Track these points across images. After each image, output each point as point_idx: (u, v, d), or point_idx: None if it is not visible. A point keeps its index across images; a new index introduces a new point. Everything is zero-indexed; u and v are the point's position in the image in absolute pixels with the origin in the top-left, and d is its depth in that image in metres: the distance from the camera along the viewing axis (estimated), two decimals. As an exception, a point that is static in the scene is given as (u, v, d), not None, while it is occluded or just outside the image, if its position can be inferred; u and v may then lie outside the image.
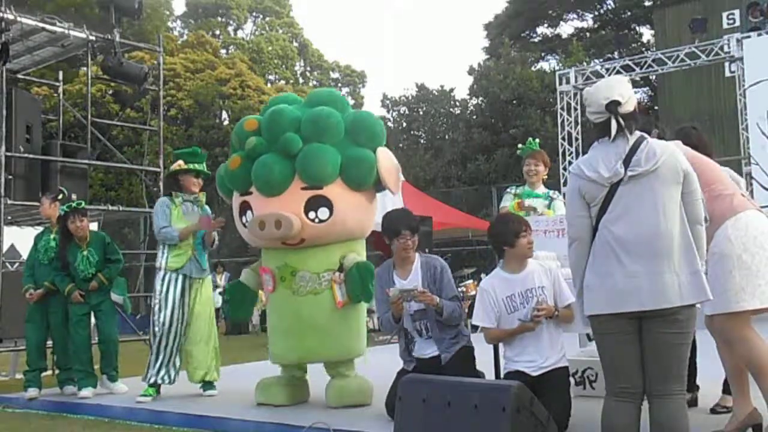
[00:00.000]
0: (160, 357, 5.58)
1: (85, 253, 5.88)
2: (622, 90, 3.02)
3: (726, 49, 13.40)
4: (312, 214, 4.66)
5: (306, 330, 4.79)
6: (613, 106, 2.98)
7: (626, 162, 2.93)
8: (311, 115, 4.79)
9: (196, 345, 5.70)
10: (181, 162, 5.75)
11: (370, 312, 14.03)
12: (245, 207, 4.87)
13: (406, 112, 27.00)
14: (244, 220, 4.90)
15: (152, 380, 5.59)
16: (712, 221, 3.42)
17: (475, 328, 4.24)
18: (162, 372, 5.59)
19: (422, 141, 25.98)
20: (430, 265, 4.40)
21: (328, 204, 4.67)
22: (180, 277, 5.62)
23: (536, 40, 29.93)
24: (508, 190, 6.13)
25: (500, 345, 4.27)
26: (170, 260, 5.62)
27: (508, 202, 5.86)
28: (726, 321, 3.44)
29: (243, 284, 5.19)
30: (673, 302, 2.81)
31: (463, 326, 4.42)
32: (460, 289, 10.79)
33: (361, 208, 4.88)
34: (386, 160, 4.85)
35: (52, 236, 6.10)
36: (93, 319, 6.10)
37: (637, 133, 3.00)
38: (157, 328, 5.58)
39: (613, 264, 2.90)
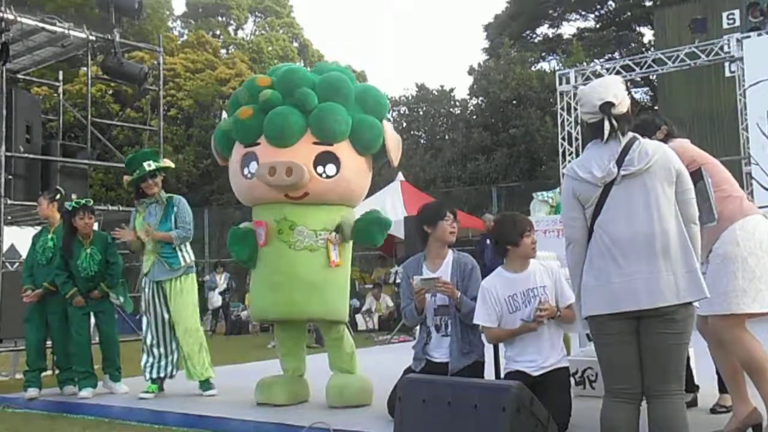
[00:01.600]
0: (149, 355, 5.82)
1: (88, 251, 5.90)
2: (616, 91, 3.03)
3: (726, 49, 13.39)
4: (320, 169, 4.79)
5: (297, 284, 4.82)
6: (606, 107, 2.98)
7: (619, 162, 2.94)
8: (327, 76, 5.01)
9: (181, 344, 5.78)
10: (126, 177, 5.95)
11: (369, 312, 14.09)
12: (250, 157, 4.90)
13: (406, 112, 26.97)
14: (246, 171, 4.91)
15: (148, 375, 5.79)
16: (719, 221, 3.43)
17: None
18: (154, 369, 5.79)
19: (422, 141, 25.94)
20: (461, 262, 4.39)
21: (336, 161, 4.81)
22: (149, 282, 5.82)
23: (536, 40, 29.91)
24: (542, 198, 6.01)
25: (501, 345, 4.27)
26: (143, 266, 5.92)
27: (543, 212, 5.80)
28: (722, 322, 3.45)
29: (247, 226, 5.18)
30: (670, 301, 2.82)
31: (479, 336, 4.33)
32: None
33: (362, 173, 5.04)
34: (391, 131, 5.11)
35: (50, 236, 6.10)
36: (92, 319, 6.11)
37: (630, 134, 3.01)
38: (143, 332, 5.90)
39: (610, 265, 2.91)
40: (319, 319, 5.08)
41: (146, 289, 5.82)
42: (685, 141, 3.81)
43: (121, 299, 6.02)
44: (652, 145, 3.00)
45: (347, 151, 4.87)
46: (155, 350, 5.79)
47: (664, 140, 3.76)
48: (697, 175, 3.51)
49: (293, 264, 4.84)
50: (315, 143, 4.79)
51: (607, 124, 2.98)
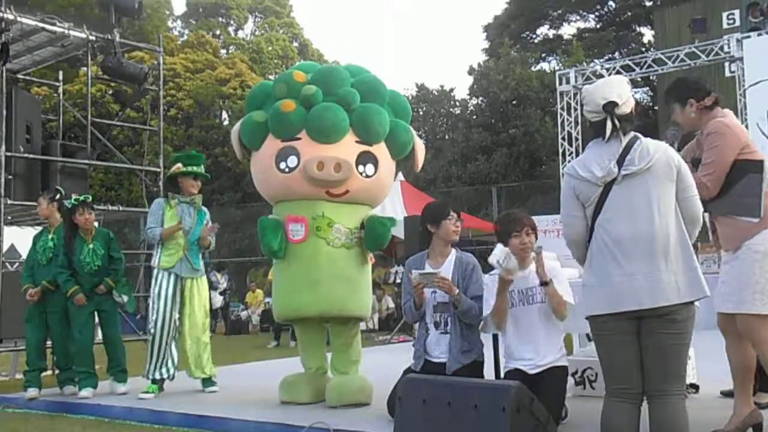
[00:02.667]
0: (156, 355, 5.76)
1: (91, 246, 5.91)
2: (620, 91, 3.02)
3: (726, 49, 13.38)
4: (361, 168, 4.85)
5: (337, 281, 4.84)
6: (610, 106, 2.98)
7: (620, 162, 2.94)
8: (365, 77, 5.07)
9: (189, 343, 5.83)
10: (179, 165, 5.90)
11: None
12: (288, 151, 4.85)
13: (406, 112, 26.97)
14: (283, 165, 4.87)
15: (151, 377, 5.75)
16: (763, 218, 3.38)
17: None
18: (162, 369, 5.78)
19: (422, 141, 25.97)
20: (463, 261, 4.41)
21: (375, 162, 4.90)
22: (172, 276, 5.78)
23: (536, 40, 29.92)
24: None
25: (500, 345, 4.28)
26: (162, 259, 5.81)
27: None
28: (754, 321, 3.38)
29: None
30: (671, 300, 2.82)
31: (478, 335, 4.36)
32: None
33: (391, 176, 5.15)
34: (418, 138, 5.21)
35: (50, 236, 6.09)
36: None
37: (632, 134, 3.00)
38: (150, 326, 5.78)
39: (611, 264, 2.91)
40: (354, 315, 5.06)
41: (164, 284, 5.74)
42: (732, 114, 3.68)
43: (125, 298, 6.02)
44: (653, 145, 2.99)
45: (383, 152, 4.95)
46: (163, 350, 5.75)
47: (711, 108, 3.61)
48: (757, 167, 3.42)
49: (333, 261, 4.85)
50: (357, 142, 4.85)
51: (609, 123, 2.98)
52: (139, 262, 11.02)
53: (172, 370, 5.84)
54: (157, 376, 5.76)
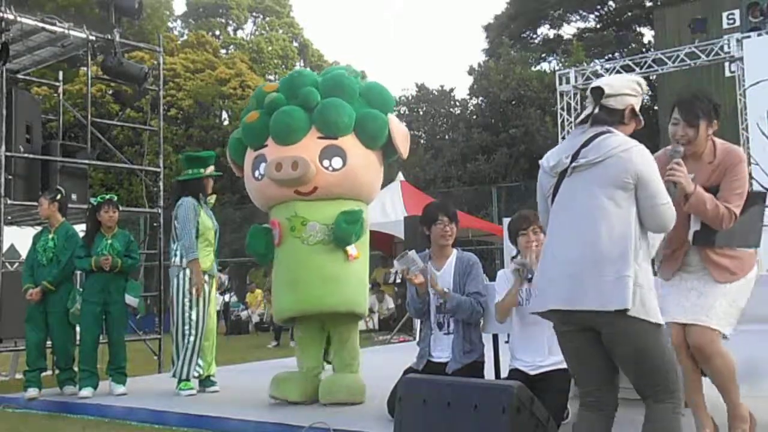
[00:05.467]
0: (193, 355, 5.68)
1: (109, 241, 5.99)
2: (615, 83, 2.83)
3: (726, 49, 13.39)
4: (326, 162, 4.84)
5: (314, 278, 4.84)
6: (596, 92, 2.80)
7: (576, 153, 2.76)
8: (329, 75, 5.16)
9: (207, 341, 5.86)
10: (211, 167, 5.98)
11: (370, 312, 14.09)
12: (260, 159, 4.97)
13: (406, 112, 26.95)
14: (257, 174, 4.99)
15: (195, 374, 5.72)
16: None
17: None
18: (199, 364, 5.72)
19: (422, 141, 25.91)
20: (464, 259, 4.48)
21: (341, 154, 4.86)
22: (206, 277, 5.80)
23: (536, 40, 29.94)
24: None
25: (499, 345, 4.29)
26: (200, 262, 5.73)
27: None
28: (713, 334, 3.32)
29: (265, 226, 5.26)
30: (590, 306, 2.61)
31: (480, 336, 4.41)
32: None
33: (371, 167, 5.06)
34: (397, 123, 5.14)
35: (50, 236, 6.11)
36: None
37: (603, 127, 2.77)
38: (187, 327, 5.66)
39: (547, 260, 2.80)
40: (337, 311, 5.01)
41: (204, 286, 5.75)
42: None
43: (136, 301, 6.03)
44: (617, 141, 2.70)
45: (353, 144, 4.91)
46: (198, 349, 5.72)
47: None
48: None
49: (308, 259, 4.87)
50: (320, 138, 4.85)
51: (589, 108, 2.82)
52: (140, 262, 11.01)
53: (202, 370, 5.80)
54: (195, 374, 5.72)
